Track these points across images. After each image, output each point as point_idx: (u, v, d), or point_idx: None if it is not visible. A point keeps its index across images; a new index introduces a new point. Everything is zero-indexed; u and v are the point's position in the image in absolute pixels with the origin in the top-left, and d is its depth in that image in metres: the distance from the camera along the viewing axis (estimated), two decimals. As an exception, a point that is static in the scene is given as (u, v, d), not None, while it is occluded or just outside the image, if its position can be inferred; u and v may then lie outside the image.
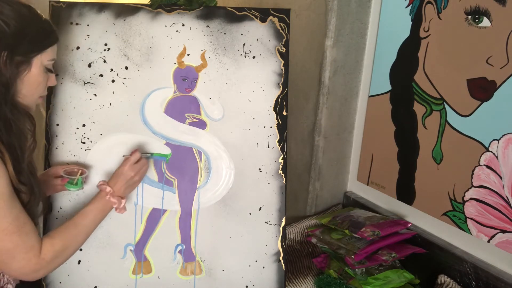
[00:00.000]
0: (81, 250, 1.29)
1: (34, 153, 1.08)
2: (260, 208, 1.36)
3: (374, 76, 1.64)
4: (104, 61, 1.30)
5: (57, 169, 1.25)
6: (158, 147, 1.32)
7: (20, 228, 0.96)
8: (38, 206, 1.08)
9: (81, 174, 1.22)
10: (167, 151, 1.32)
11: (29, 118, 1.06)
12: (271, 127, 1.36)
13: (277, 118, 1.36)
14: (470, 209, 1.35)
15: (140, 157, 1.22)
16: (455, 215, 1.40)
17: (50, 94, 1.28)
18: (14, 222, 0.95)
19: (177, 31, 1.32)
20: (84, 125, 1.30)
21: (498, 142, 1.26)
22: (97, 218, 1.15)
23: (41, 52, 1.03)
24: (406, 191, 1.56)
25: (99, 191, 1.18)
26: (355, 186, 1.83)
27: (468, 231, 1.37)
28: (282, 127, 1.36)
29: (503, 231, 1.27)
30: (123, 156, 1.25)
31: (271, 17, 1.34)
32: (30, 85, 1.03)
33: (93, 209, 1.14)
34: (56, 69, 1.28)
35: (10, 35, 0.95)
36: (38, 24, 1.02)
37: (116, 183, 1.18)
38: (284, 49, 1.35)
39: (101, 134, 1.30)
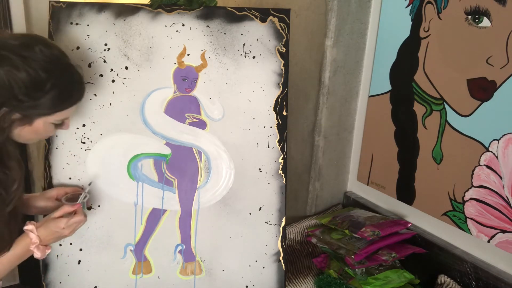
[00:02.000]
0: (81, 250, 1.29)
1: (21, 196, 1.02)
2: (260, 208, 1.36)
3: (374, 76, 1.64)
4: (104, 61, 1.30)
5: (59, 191, 1.21)
6: (158, 147, 1.32)
7: None
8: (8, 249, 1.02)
9: (84, 197, 1.19)
10: (167, 151, 1.32)
11: (18, 162, 1.00)
12: (271, 127, 1.36)
13: (277, 118, 1.36)
14: (470, 209, 1.35)
15: (83, 220, 1.14)
16: (455, 215, 1.40)
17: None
18: None
19: (177, 31, 1.32)
20: (84, 125, 1.30)
21: (498, 142, 1.26)
22: (12, 265, 1.05)
23: (51, 115, 0.96)
24: (406, 191, 1.56)
25: (23, 234, 1.07)
26: (355, 186, 1.83)
27: (468, 231, 1.37)
28: (282, 127, 1.36)
29: (503, 231, 1.27)
30: (63, 200, 1.16)
31: (271, 17, 1.34)
32: (26, 134, 0.97)
33: (11, 257, 1.04)
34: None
35: (15, 100, 0.88)
36: (56, 91, 0.93)
37: (45, 234, 1.08)
38: (284, 49, 1.35)
39: (101, 134, 1.30)
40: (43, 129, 0.98)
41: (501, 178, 1.26)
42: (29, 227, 1.07)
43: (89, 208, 1.28)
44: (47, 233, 1.08)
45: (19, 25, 1.51)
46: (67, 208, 1.13)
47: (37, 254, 1.07)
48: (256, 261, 1.36)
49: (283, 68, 1.35)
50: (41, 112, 0.95)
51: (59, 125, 1.03)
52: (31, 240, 1.06)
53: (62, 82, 0.95)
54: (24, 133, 0.96)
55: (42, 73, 0.90)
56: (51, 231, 1.09)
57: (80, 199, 1.17)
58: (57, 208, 1.14)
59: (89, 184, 1.26)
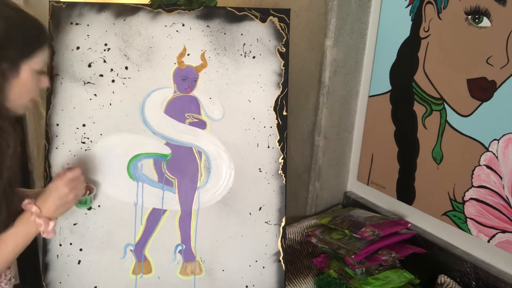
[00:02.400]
0: (81, 250, 1.29)
1: (18, 168, 0.98)
2: (260, 208, 1.36)
3: (374, 76, 1.64)
4: (104, 61, 1.30)
5: None
6: (158, 147, 1.32)
7: None
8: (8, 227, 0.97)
9: (90, 191, 1.19)
10: (167, 151, 1.32)
11: (13, 125, 0.96)
12: (271, 127, 1.36)
13: (277, 118, 1.36)
14: (470, 209, 1.35)
15: (79, 174, 1.09)
16: (455, 215, 1.40)
17: (50, 94, 1.29)
18: None
19: (177, 31, 1.32)
20: (84, 125, 1.30)
21: (498, 142, 1.26)
22: (19, 245, 0.99)
23: (31, 57, 0.95)
24: (406, 191, 1.56)
25: (24, 212, 1.01)
26: (355, 186, 1.83)
27: (468, 231, 1.37)
28: (282, 127, 1.36)
29: (503, 231, 1.27)
30: (64, 167, 1.13)
31: (271, 17, 1.34)
32: (19, 90, 0.96)
33: (14, 235, 0.98)
34: (56, 69, 1.28)
35: None
36: (26, 27, 0.94)
37: (45, 202, 1.02)
38: (284, 49, 1.35)
39: (101, 134, 1.30)
40: (30, 79, 0.96)
41: (501, 178, 1.26)
42: (26, 201, 1.02)
43: (89, 208, 1.28)
44: (48, 200, 1.03)
45: (19, 25, 1.51)
46: (60, 171, 1.08)
47: (39, 225, 1.00)
48: (256, 261, 1.36)
49: (283, 68, 1.35)
50: (21, 52, 0.94)
51: (41, 77, 1.01)
52: (31, 210, 1.00)
53: (26, 17, 0.96)
54: (15, 89, 0.94)
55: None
56: (50, 196, 1.03)
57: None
58: None
59: (67, 164, 1.21)
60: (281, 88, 1.35)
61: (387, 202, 1.66)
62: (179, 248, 1.34)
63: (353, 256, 1.39)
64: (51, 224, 1.02)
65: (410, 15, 1.47)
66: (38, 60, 0.98)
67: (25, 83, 0.96)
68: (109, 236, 1.30)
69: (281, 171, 1.36)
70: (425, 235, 1.49)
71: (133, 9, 1.31)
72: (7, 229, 0.97)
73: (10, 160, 0.93)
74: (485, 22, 1.26)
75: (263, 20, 1.34)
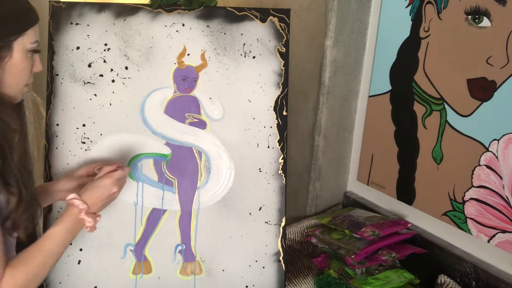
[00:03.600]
0: (81, 250, 1.29)
1: (25, 150, 0.97)
2: (260, 208, 1.36)
3: (374, 76, 1.64)
4: (104, 61, 1.30)
5: (88, 168, 1.19)
6: (158, 147, 1.32)
7: None
8: (30, 212, 0.95)
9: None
10: (167, 151, 1.32)
11: (15, 111, 0.94)
12: (271, 127, 1.36)
13: (277, 118, 1.36)
14: (470, 209, 1.35)
15: (128, 172, 1.11)
16: (455, 215, 1.40)
17: (50, 94, 1.29)
18: None
19: (177, 31, 1.32)
20: (84, 125, 1.30)
21: (498, 142, 1.26)
22: (66, 240, 0.99)
23: (22, 35, 0.93)
24: (406, 191, 1.56)
25: (67, 207, 1.01)
26: (355, 186, 1.83)
27: (468, 231, 1.36)
28: (282, 127, 1.36)
29: (503, 231, 1.27)
30: (97, 168, 1.14)
31: (271, 17, 1.34)
32: (13, 72, 0.94)
33: (62, 231, 0.98)
34: (56, 69, 1.28)
35: None
36: (12, 4, 0.92)
37: (92, 198, 1.03)
38: (284, 49, 1.35)
39: (101, 134, 1.30)
40: (24, 59, 0.95)
41: (501, 178, 1.26)
42: (71, 195, 1.01)
43: None
44: (95, 197, 1.03)
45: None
46: (108, 168, 1.09)
47: (89, 222, 1.01)
48: (256, 261, 1.36)
49: (283, 68, 1.35)
50: (12, 29, 0.92)
51: (34, 56, 1.00)
52: (78, 207, 1.00)
53: None
54: (8, 71, 0.93)
55: None
56: (99, 193, 1.04)
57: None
58: (65, 192, 1.11)
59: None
60: (281, 88, 1.35)
61: (387, 202, 1.66)
62: (179, 248, 1.34)
63: (353, 256, 1.39)
64: (98, 220, 1.04)
65: (410, 15, 1.47)
66: (31, 37, 0.96)
67: (19, 64, 0.94)
68: (109, 236, 1.30)
69: (281, 171, 1.36)
70: (425, 235, 1.49)
71: (133, 9, 1.31)
72: (29, 212, 0.95)
73: (17, 144, 0.92)
74: (485, 22, 1.26)
75: (263, 20, 1.34)
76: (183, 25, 1.32)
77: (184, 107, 1.33)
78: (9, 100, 0.95)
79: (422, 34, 1.44)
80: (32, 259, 0.92)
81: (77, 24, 1.30)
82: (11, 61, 0.93)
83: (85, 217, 1.00)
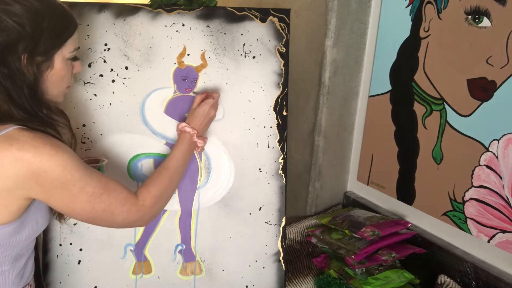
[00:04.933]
0: (81, 250, 1.29)
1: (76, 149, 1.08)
2: (260, 208, 1.36)
3: (374, 76, 1.64)
4: (104, 61, 1.30)
5: None
6: (158, 147, 1.32)
7: (105, 187, 0.99)
8: None
9: (102, 161, 1.21)
10: (167, 151, 1.32)
11: (62, 114, 1.05)
12: (271, 127, 1.36)
13: (277, 118, 1.36)
14: (470, 209, 1.35)
15: (219, 97, 1.29)
16: (455, 215, 1.40)
17: (50, 94, 1.28)
18: (98, 184, 0.97)
19: (177, 31, 1.32)
20: (84, 125, 1.30)
21: (498, 142, 1.26)
22: (186, 159, 1.20)
23: (62, 46, 0.98)
24: (406, 191, 1.56)
25: (180, 134, 1.22)
26: (355, 186, 1.83)
27: (468, 231, 1.37)
28: (282, 127, 1.36)
29: (503, 231, 1.27)
30: (192, 95, 1.30)
31: (271, 17, 1.34)
32: (55, 80, 0.99)
33: (181, 152, 1.18)
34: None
35: (26, 36, 0.90)
36: (53, 17, 0.95)
37: (198, 124, 1.22)
38: (284, 49, 1.35)
39: (101, 134, 1.30)
40: (64, 68, 1.00)
41: (501, 178, 1.26)
42: (182, 124, 1.22)
43: None
44: (199, 122, 1.23)
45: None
46: (200, 97, 1.27)
47: (200, 143, 1.22)
48: (256, 261, 1.36)
49: (283, 68, 1.35)
50: (53, 43, 0.96)
51: (73, 62, 1.05)
52: (190, 133, 1.20)
53: (53, 6, 0.97)
54: (51, 80, 0.98)
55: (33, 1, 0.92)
56: (202, 118, 1.23)
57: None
58: None
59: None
60: (281, 88, 1.35)
61: (387, 202, 1.66)
62: (179, 248, 1.34)
63: (353, 256, 1.39)
64: (206, 140, 1.26)
65: (410, 15, 1.47)
66: (70, 48, 1.00)
67: (60, 73, 0.99)
68: (109, 236, 1.30)
69: (281, 171, 1.36)
70: (425, 235, 1.49)
71: (133, 9, 1.31)
72: None
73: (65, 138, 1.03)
74: (485, 22, 1.26)
75: (263, 20, 1.34)
76: (183, 25, 1.32)
77: (184, 107, 1.33)
78: (54, 103, 1.03)
79: (422, 34, 1.44)
80: (162, 175, 1.12)
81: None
82: (52, 71, 0.98)
83: (197, 140, 1.21)
